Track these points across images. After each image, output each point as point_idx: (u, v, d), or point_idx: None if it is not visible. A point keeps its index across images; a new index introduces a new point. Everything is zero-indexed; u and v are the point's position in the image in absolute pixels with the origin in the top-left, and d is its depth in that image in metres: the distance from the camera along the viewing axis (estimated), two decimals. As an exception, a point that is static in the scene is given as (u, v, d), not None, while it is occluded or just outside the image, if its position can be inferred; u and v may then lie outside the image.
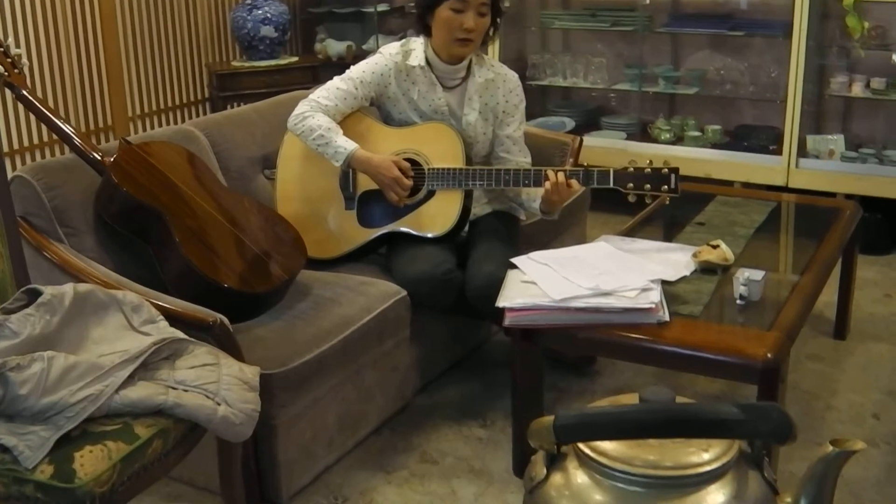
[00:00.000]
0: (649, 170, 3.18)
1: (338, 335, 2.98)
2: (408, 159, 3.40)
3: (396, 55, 3.47)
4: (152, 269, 3.05)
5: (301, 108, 3.45)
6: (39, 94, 5.13)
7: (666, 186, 3.17)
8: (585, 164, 3.30)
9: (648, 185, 3.17)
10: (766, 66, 5.35)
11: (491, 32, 3.48)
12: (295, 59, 5.96)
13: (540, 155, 4.28)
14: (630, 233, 3.53)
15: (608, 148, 5.47)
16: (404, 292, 3.28)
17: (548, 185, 3.23)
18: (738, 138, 5.40)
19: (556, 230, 4.04)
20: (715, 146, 5.35)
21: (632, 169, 3.19)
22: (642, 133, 5.61)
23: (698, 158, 5.25)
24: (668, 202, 3.21)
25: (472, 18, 3.32)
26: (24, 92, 3.15)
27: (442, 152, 3.40)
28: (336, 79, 3.51)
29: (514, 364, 2.96)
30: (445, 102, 3.46)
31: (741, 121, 5.57)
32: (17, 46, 4.96)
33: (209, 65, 6.05)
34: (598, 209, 4.83)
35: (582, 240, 4.46)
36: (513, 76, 3.56)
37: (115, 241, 3.15)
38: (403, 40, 3.52)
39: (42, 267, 3.02)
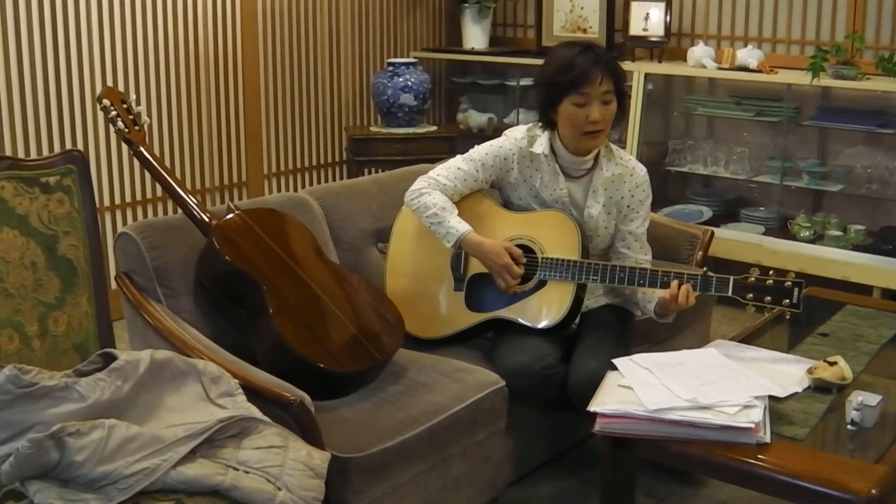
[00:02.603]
0: (771, 281, 3.03)
1: (424, 423, 2.87)
2: (522, 245, 3.31)
3: (521, 140, 3.38)
4: (247, 336, 3.01)
5: (419, 183, 3.40)
6: (177, 146, 5.24)
7: (787, 301, 3.01)
8: (709, 268, 3.13)
9: (769, 298, 3.03)
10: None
11: (619, 117, 3.34)
12: (433, 128, 5.93)
13: (669, 247, 4.15)
14: (749, 338, 3.34)
15: (743, 242, 5.27)
16: (502, 382, 3.16)
17: (667, 294, 3.10)
18: (884, 241, 5.13)
19: (676, 326, 3.85)
20: (856, 248, 5.10)
21: (753, 279, 3.04)
22: (781, 228, 5.39)
23: (837, 260, 5.01)
24: (787, 317, 3.04)
25: (597, 110, 3.19)
26: (142, 149, 3.17)
27: (558, 242, 3.29)
28: (458, 158, 3.45)
29: (604, 470, 2.81)
30: (567, 193, 3.35)
31: (889, 222, 5.29)
32: (143, 102, 5.08)
33: (348, 128, 6.08)
34: (726, 303, 4.64)
35: (705, 337, 4.28)
36: (641, 171, 3.42)
37: (212, 305, 3.13)
38: (530, 125, 3.43)
39: (138, 325, 3.04)
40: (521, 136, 3.39)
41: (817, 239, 5.24)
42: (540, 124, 3.37)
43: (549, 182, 3.36)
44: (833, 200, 5.46)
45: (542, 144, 3.34)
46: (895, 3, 5.19)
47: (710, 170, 5.63)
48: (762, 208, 5.62)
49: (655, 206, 5.29)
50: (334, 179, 6.15)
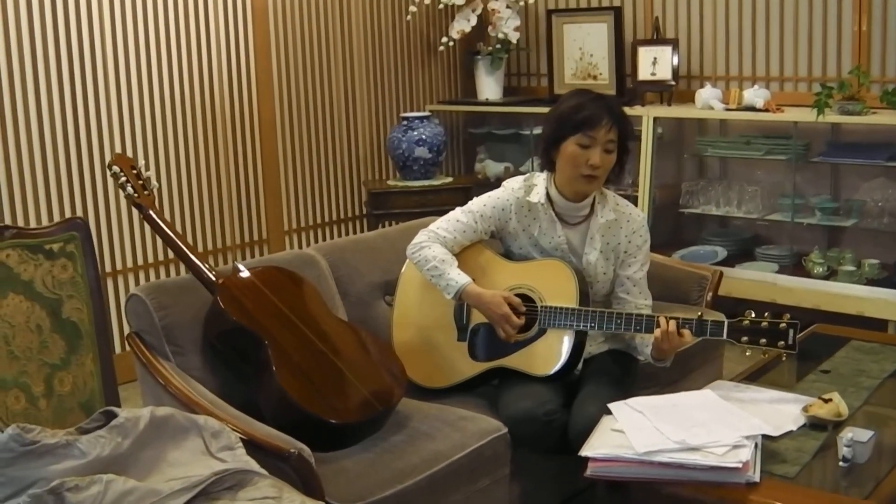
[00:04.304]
0: (766, 324, 3.06)
1: (424, 471, 2.93)
2: (522, 294, 3.37)
3: (519, 190, 3.46)
4: (253, 391, 3.09)
5: (419, 237, 3.47)
6: (196, 205, 5.36)
7: (783, 342, 3.04)
8: (723, 310, 3.17)
9: (764, 340, 3.06)
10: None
11: (617, 171, 3.41)
12: (448, 179, 6.03)
13: (678, 289, 4.18)
14: (752, 377, 3.38)
15: (757, 281, 5.30)
16: (504, 429, 3.21)
17: (658, 332, 3.14)
18: (900, 274, 5.14)
19: (685, 368, 3.90)
20: (870, 282, 5.10)
21: (747, 322, 3.08)
22: (795, 265, 5.41)
23: (851, 295, 5.03)
24: (784, 359, 3.08)
25: (598, 155, 3.26)
26: (151, 212, 3.27)
27: (556, 290, 3.34)
28: (458, 210, 3.53)
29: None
30: (565, 240, 3.41)
31: (905, 255, 5.31)
32: (161, 163, 5.20)
33: (366, 182, 6.19)
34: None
35: (717, 378, 4.29)
36: (638, 216, 3.47)
37: (220, 361, 3.22)
38: (527, 175, 3.51)
39: (149, 383, 3.12)
40: (518, 186, 3.47)
41: (831, 275, 5.25)
42: (539, 168, 3.46)
43: (547, 230, 3.42)
44: (847, 235, 5.47)
45: (538, 193, 3.41)
46: (899, 36, 5.24)
47: (723, 210, 5.67)
48: (776, 246, 5.64)
49: (670, 249, 5.39)
50: (355, 233, 6.24)
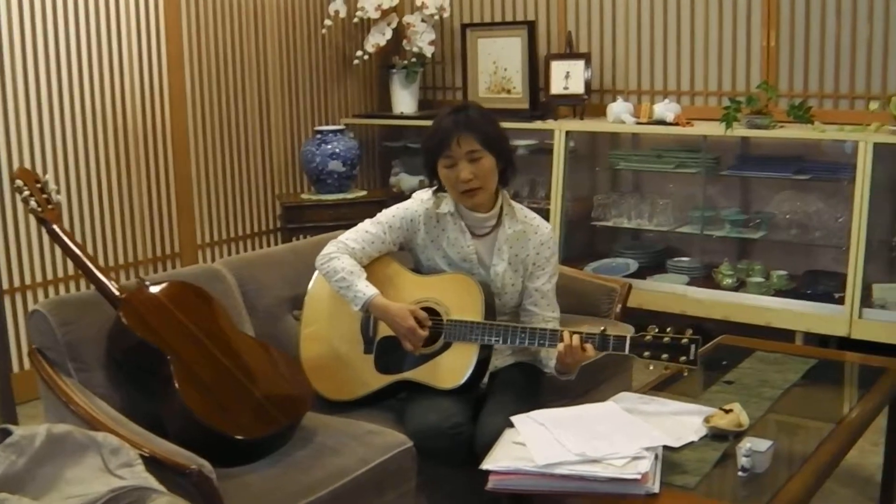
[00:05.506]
0: (668, 339, 3.08)
1: (328, 486, 2.91)
2: (428, 308, 3.37)
3: (428, 201, 3.47)
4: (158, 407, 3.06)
5: (329, 248, 3.47)
6: (108, 219, 5.30)
7: (684, 357, 3.06)
8: (631, 322, 3.19)
9: (666, 355, 3.07)
10: (833, 211, 5.22)
11: (510, 172, 3.43)
12: (363, 193, 6.05)
13: (587, 301, 4.22)
14: (657, 388, 3.41)
15: (667, 293, 5.38)
16: (409, 443, 3.20)
17: (561, 346, 3.16)
18: (805, 285, 5.24)
19: (594, 379, 3.92)
20: (779, 293, 5.21)
21: (650, 337, 3.09)
22: (706, 277, 5.50)
23: (759, 306, 5.12)
24: (685, 374, 3.10)
25: (465, 169, 3.28)
26: (55, 227, 3.22)
27: (462, 304, 3.35)
28: (367, 221, 3.53)
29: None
30: (474, 250, 3.43)
31: (812, 266, 5.41)
32: (71, 177, 5.12)
33: (280, 196, 6.16)
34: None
35: (627, 389, 4.33)
36: (545, 229, 3.49)
37: (125, 377, 3.17)
38: (437, 186, 3.52)
39: (51, 400, 3.07)
40: (428, 197, 3.48)
41: (741, 286, 5.34)
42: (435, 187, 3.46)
43: (455, 241, 3.43)
44: (756, 247, 5.58)
45: (447, 204, 3.43)
46: (805, 51, 5.34)
47: (634, 223, 5.75)
48: (687, 258, 5.72)
49: (582, 261, 5.43)
50: (269, 247, 6.20)
